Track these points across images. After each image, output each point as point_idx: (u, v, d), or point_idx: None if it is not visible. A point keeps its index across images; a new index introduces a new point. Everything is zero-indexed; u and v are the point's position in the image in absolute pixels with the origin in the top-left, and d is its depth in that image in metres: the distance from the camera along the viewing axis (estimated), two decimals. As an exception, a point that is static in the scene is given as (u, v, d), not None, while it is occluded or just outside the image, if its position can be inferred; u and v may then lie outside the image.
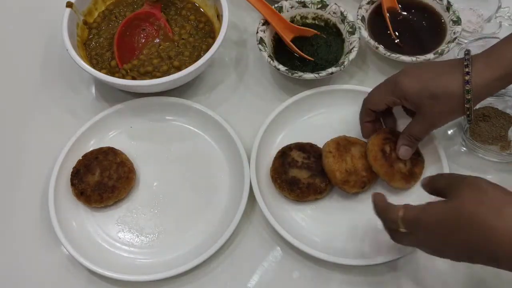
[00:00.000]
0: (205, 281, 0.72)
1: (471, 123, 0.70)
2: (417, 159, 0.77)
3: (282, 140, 0.83)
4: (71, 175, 0.78)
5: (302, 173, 0.76)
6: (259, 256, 0.74)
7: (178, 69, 0.83)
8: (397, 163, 0.74)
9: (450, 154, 0.80)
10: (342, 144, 0.76)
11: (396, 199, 0.76)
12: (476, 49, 0.91)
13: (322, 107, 0.86)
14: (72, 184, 0.77)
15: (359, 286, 0.72)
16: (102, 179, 0.77)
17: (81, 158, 0.79)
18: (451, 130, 0.84)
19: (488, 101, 0.84)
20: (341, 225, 0.76)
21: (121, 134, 0.85)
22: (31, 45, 0.97)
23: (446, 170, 0.76)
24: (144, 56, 0.86)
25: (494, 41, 0.90)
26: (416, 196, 0.75)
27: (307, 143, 0.79)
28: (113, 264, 0.72)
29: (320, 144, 0.79)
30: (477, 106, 0.84)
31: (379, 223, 0.65)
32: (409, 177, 0.75)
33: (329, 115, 0.85)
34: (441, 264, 0.72)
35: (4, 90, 0.92)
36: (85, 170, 0.78)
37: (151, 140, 0.84)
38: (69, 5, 0.85)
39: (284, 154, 0.77)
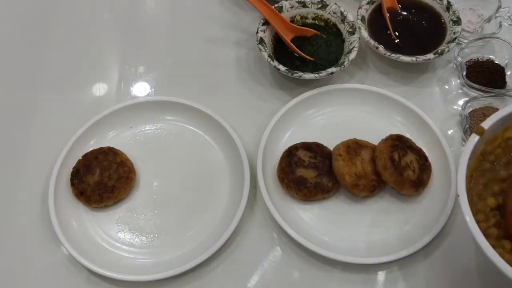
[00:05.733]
0: (205, 281, 0.72)
1: None
2: (424, 164, 0.76)
3: (287, 140, 0.83)
4: (71, 175, 0.78)
5: (309, 173, 0.76)
6: (259, 256, 0.74)
7: None
8: (406, 171, 0.74)
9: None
10: (352, 147, 0.76)
11: (405, 206, 0.77)
12: (476, 49, 0.92)
13: (327, 106, 0.86)
14: (72, 184, 0.77)
15: (359, 286, 0.72)
16: (102, 179, 0.77)
17: (81, 158, 0.80)
18: (451, 130, 0.84)
19: (488, 101, 0.84)
20: (348, 224, 0.76)
21: (121, 134, 0.85)
22: (30, 44, 0.97)
23: (454, 175, 0.76)
24: None
25: (494, 41, 0.91)
26: (425, 202, 0.76)
27: (313, 143, 0.80)
28: (113, 264, 0.72)
29: (326, 143, 0.80)
30: (477, 107, 0.84)
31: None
32: (418, 184, 0.75)
33: (334, 114, 0.86)
34: (444, 265, 0.72)
35: (4, 90, 0.92)
36: (85, 170, 0.78)
37: (151, 140, 0.84)
38: None
39: (290, 154, 0.78)
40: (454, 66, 0.90)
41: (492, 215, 0.60)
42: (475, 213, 0.59)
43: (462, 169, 0.60)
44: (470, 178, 0.63)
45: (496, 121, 0.64)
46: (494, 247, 0.56)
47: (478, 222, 0.58)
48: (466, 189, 0.59)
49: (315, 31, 0.90)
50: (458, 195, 0.58)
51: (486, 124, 0.63)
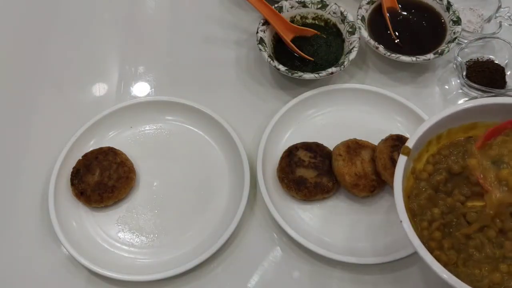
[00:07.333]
0: (205, 281, 0.72)
1: None
2: None
3: (287, 140, 0.83)
4: (71, 175, 0.78)
5: (309, 173, 0.76)
6: (259, 256, 0.74)
7: None
8: None
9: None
10: (352, 147, 0.77)
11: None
12: (476, 49, 0.92)
13: (327, 106, 0.86)
14: (72, 184, 0.77)
15: (359, 286, 0.72)
16: (102, 179, 0.77)
17: (81, 158, 0.80)
18: (451, 130, 0.84)
19: (488, 101, 0.84)
20: (348, 224, 0.76)
21: (121, 134, 0.85)
22: (30, 44, 0.97)
23: None
24: None
25: (494, 41, 0.91)
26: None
27: (313, 143, 0.80)
28: (113, 264, 0.72)
29: (326, 143, 0.80)
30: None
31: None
32: None
33: (334, 114, 0.86)
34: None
35: (4, 90, 0.92)
36: (85, 170, 0.78)
37: (151, 140, 0.84)
38: None
39: (291, 154, 0.78)
40: (454, 66, 0.90)
41: (436, 218, 0.61)
42: (419, 221, 0.61)
43: (399, 193, 0.60)
44: (407, 198, 0.63)
45: (418, 138, 0.63)
46: (434, 249, 0.59)
47: (422, 229, 0.60)
48: (406, 209, 0.60)
49: (315, 31, 0.90)
50: (401, 221, 0.59)
51: (410, 143, 0.63)
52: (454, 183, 0.63)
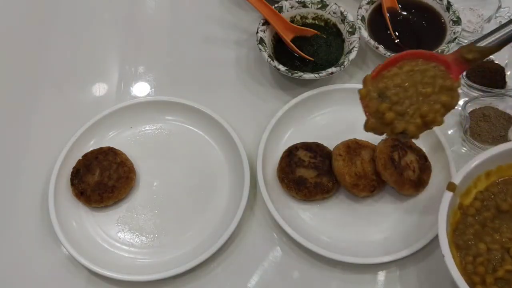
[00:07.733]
0: (205, 281, 0.72)
1: None
2: (424, 164, 0.77)
3: (287, 140, 0.83)
4: (71, 175, 0.78)
5: (309, 173, 0.76)
6: (259, 256, 0.74)
7: None
8: (406, 171, 0.74)
9: (450, 154, 0.80)
10: (352, 147, 0.77)
11: (404, 206, 0.77)
12: (476, 49, 0.91)
13: (327, 106, 0.86)
14: (72, 184, 0.77)
15: (359, 286, 0.72)
16: (102, 179, 0.77)
17: (81, 158, 0.80)
18: (451, 130, 0.84)
19: (488, 101, 0.84)
20: (348, 224, 0.76)
21: (121, 134, 0.85)
22: (30, 44, 0.97)
23: (454, 174, 0.76)
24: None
25: (494, 41, 0.91)
26: (425, 202, 0.76)
27: (313, 143, 0.80)
28: (113, 264, 0.72)
29: (326, 143, 0.80)
30: (477, 107, 0.84)
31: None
32: (418, 184, 0.75)
33: (334, 114, 0.86)
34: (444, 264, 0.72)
35: (4, 90, 0.92)
36: (85, 170, 0.78)
37: (151, 140, 0.84)
38: None
39: (291, 154, 0.78)
40: (454, 66, 0.90)
41: (481, 253, 0.62)
42: (464, 255, 0.62)
43: (443, 229, 0.61)
44: (453, 232, 0.64)
45: (466, 174, 0.64)
46: (477, 284, 0.60)
47: (466, 263, 0.61)
48: (450, 241, 0.60)
49: (315, 31, 0.90)
50: (443, 256, 0.59)
51: (457, 179, 0.63)
52: (502, 220, 0.64)
